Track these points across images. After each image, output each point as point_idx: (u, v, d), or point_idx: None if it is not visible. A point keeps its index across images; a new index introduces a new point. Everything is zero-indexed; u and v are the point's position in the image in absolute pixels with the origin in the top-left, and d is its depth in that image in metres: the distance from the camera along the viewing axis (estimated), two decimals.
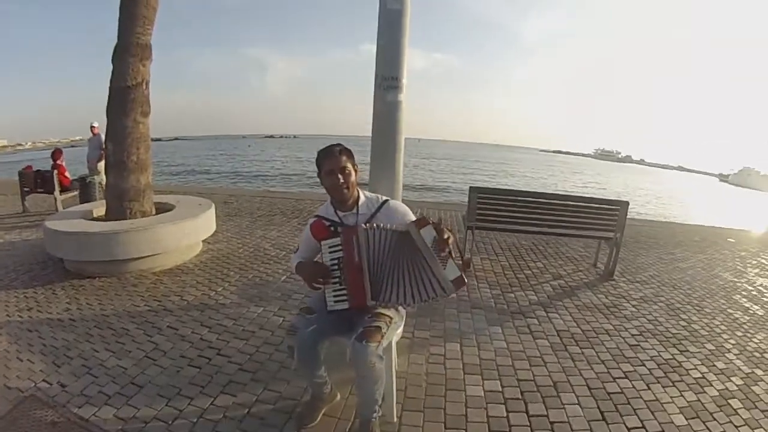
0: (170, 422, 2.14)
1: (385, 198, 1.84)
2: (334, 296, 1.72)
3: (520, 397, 2.24)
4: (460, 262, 1.68)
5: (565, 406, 2.17)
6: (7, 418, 2.41)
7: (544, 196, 4.16)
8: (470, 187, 4.20)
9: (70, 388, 2.58)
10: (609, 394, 2.30)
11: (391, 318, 1.72)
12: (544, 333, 2.95)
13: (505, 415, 2.10)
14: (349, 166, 1.74)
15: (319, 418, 1.99)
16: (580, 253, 5.07)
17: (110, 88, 4.49)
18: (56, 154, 7.82)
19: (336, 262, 1.69)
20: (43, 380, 2.67)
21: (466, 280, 1.62)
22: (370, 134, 2.69)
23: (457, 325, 3.05)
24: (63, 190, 7.62)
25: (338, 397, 2.09)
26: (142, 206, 4.84)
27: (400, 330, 1.95)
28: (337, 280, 1.69)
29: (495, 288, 3.78)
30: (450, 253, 1.58)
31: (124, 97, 4.49)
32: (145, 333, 3.31)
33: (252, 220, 6.72)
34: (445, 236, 1.56)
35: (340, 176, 1.72)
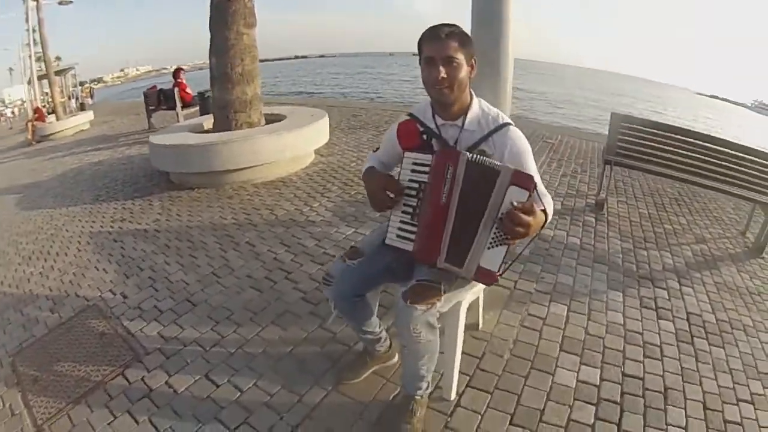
0: (207, 348, 2.36)
1: (506, 120, 1.62)
2: (398, 228, 1.62)
3: (618, 400, 2.03)
4: (507, 262, 1.51)
5: (668, 427, 1.93)
6: (66, 324, 2.86)
7: (698, 137, 4.19)
8: (612, 114, 4.34)
9: (129, 300, 2.98)
10: (725, 422, 2.03)
11: (460, 276, 1.60)
12: (671, 312, 2.83)
13: (591, 423, 1.89)
14: (459, 57, 1.50)
15: (364, 376, 2.02)
16: (729, 216, 4.96)
17: (211, 3, 5.22)
18: (177, 72, 9.47)
19: (416, 186, 1.57)
20: (109, 290, 3.17)
21: (498, 279, 1.48)
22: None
23: (570, 281, 2.99)
24: (185, 106, 9.22)
25: (396, 358, 2.09)
26: (249, 117, 5.53)
27: (478, 288, 1.86)
28: (409, 210, 1.59)
29: (626, 240, 3.76)
30: (510, 240, 1.41)
31: (225, 9, 5.13)
32: (221, 248, 3.59)
33: (376, 133, 7.25)
34: (527, 219, 1.34)
35: (441, 68, 1.49)
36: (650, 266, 3.40)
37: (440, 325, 1.58)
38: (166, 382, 2.14)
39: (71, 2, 18.74)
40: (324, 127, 5.70)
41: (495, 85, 2.73)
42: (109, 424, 1.95)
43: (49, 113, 16.45)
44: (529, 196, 1.35)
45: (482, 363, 2.16)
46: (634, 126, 4.34)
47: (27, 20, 18.14)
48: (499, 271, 1.45)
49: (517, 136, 1.59)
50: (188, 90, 9.34)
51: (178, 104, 9.15)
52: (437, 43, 1.50)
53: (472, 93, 1.63)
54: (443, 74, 1.49)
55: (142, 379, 2.19)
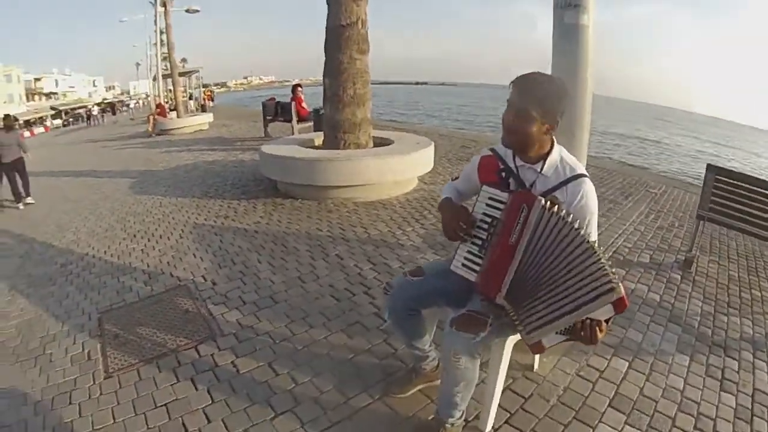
0: (277, 341, 2.80)
1: (581, 172, 1.81)
2: (465, 258, 1.85)
3: None
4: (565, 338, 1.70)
5: None
6: (155, 297, 3.56)
7: None
8: (708, 165, 4.44)
9: (218, 287, 3.59)
10: None
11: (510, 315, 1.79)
12: (737, 386, 2.83)
13: None
14: (532, 113, 1.68)
15: (410, 392, 2.29)
16: None
17: (326, 27, 6.12)
18: (295, 88, 10.93)
19: (488, 221, 1.80)
20: (201, 276, 3.83)
21: (544, 350, 1.71)
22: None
23: (639, 338, 3.12)
24: (300, 120, 10.54)
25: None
26: (357, 139, 6.35)
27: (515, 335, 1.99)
28: (478, 242, 1.82)
29: (709, 302, 3.79)
30: (578, 330, 1.61)
31: (339, 34, 6.00)
32: (311, 256, 4.08)
33: None
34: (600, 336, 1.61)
35: (513, 113, 1.72)
36: (727, 333, 3.44)
37: (483, 358, 1.81)
38: (232, 362, 2.58)
39: (198, 11, 22.10)
40: (429, 156, 6.31)
41: (570, 134, 2.89)
42: (171, 385, 2.44)
43: (170, 110, 19.09)
44: (615, 315, 1.55)
45: (527, 404, 2.34)
46: (731, 180, 4.31)
47: (155, 23, 22.08)
48: (548, 346, 1.66)
49: (590, 191, 1.76)
50: (304, 105, 10.69)
51: (294, 117, 10.49)
52: (519, 89, 1.69)
53: (554, 140, 1.81)
54: (511, 120, 1.71)
55: (212, 356, 2.66)
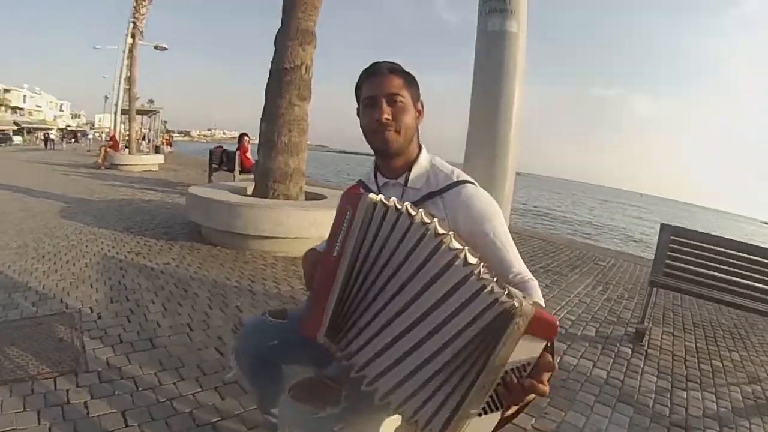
0: (140, 389, 2.53)
1: (462, 178, 1.39)
2: None
3: None
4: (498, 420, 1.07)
5: None
6: (37, 319, 3.27)
7: (763, 254, 3.84)
8: (661, 225, 4.18)
9: (101, 321, 3.33)
10: None
11: None
12: None
13: None
14: (404, 94, 1.36)
15: None
16: None
17: (270, 70, 5.84)
18: (242, 137, 10.87)
19: None
20: (90, 307, 3.57)
21: None
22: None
23: (581, 421, 2.68)
24: (243, 170, 10.08)
25: None
26: (287, 189, 5.91)
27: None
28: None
29: (664, 377, 3.49)
30: (516, 406, 1.04)
31: (280, 78, 5.72)
32: (209, 305, 3.83)
33: None
34: (547, 381, 1.01)
35: (384, 105, 1.34)
36: (687, 411, 3.16)
37: None
38: (85, 403, 2.29)
39: (166, 49, 22.06)
40: None
41: (489, 162, 2.34)
42: (15, 412, 2.14)
43: (125, 147, 18.60)
44: (547, 346, 0.97)
45: None
46: (687, 240, 4.02)
47: (124, 56, 21.32)
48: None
49: (478, 195, 1.32)
50: (249, 155, 10.42)
51: (237, 167, 10.22)
52: (378, 78, 1.36)
53: (422, 146, 1.45)
54: (387, 114, 1.33)
55: (67, 391, 2.37)
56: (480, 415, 0.99)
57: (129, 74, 19.28)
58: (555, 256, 7.05)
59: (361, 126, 1.41)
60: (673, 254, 4.03)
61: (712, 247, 4.00)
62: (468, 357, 0.94)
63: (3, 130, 48.72)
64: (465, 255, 0.94)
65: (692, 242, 4.04)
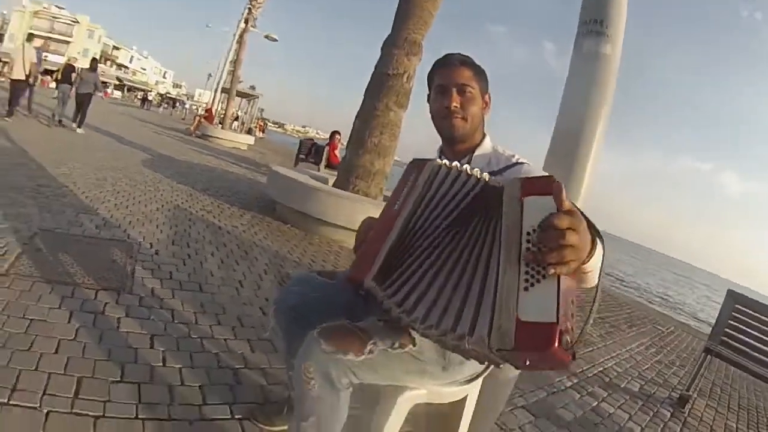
0: (175, 321, 2.49)
1: (521, 159, 1.49)
2: None
3: None
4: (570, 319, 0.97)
5: None
6: (97, 239, 3.39)
7: None
8: (729, 291, 4.06)
9: (157, 257, 3.37)
10: None
11: (411, 344, 1.31)
12: None
13: None
14: (474, 86, 1.46)
15: (276, 429, 1.80)
16: None
17: (372, 73, 6.12)
18: (334, 134, 10.89)
19: None
20: (150, 242, 3.65)
21: (555, 347, 0.90)
22: None
23: None
24: (329, 166, 9.96)
25: None
26: (368, 187, 6.04)
27: (424, 390, 1.40)
28: None
29: None
30: (557, 268, 0.95)
31: (382, 82, 5.97)
32: (266, 270, 3.77)
33: None
34: (563, 227, 0.95)
35: (455, 95, 1.44)
36: None
37: (348, 392, 1.27)
38: (118, 318, 2.28)
39: (276, 40, 22.90)
40: None
41: (570, 173, 2.39)
42: (50, 308, 2.19)
43: (219, 122, 19.47)
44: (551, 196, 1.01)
45: None
46: (752, 312, 3.86)
47: (234, 39, 22.27)
48: (557, 321, 0.91)
49: (535, 172, 1.41)
50: (337, 153, 10.45)
51: (323, 161, 10.34)
52: (450, 69, 1.46)
53: (486, 134, 1.55)
54: (456, 102, 1.44)
55: (105, 304, 2.39)
56: (527, 289, 0.97)
57: (236, 57, 20.27)
58: (615, 311, 6.86)
59: (430, 112, 1.52)
60: (735, 323, 3.89)
61: None
62: (482, 242, 1.10)
63: (105, 83, 53.49)
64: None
65: (757, 314, 3.85)
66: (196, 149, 12.26)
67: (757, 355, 3.73)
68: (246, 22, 20.42)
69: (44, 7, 54.15)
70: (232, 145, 16.54)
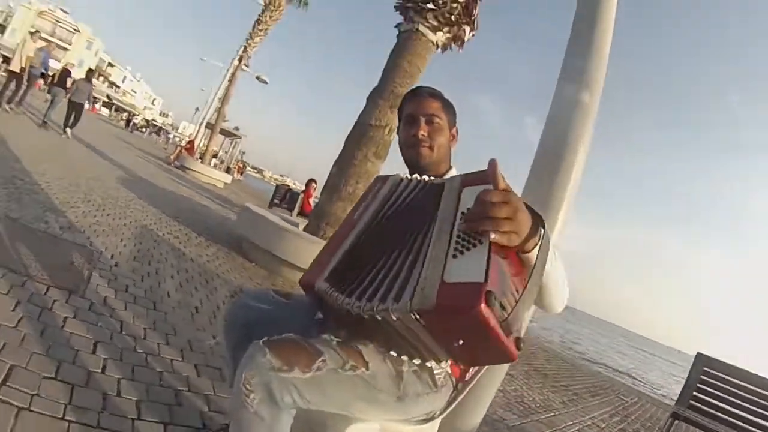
0: (121, 332, 2.43)
1: None
2: None
3: None
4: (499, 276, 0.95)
5: None
6: (59, 239, 3.32)
7: None
8: (698, 354, 4.08)
9: (116, 269, 3.28)
10: None
11: (363, 367, 1.22)
12: None
13: None
14: (442, 117, 1.54)
15: None
16: None
17: (356, 121, 6.19)
18: (310, 182, 10.93)
19: None
20: (112, 254, 3.58)
21: (482, 306, 0.87)
22: None
23: None
24: (301, 214, 9.73)
25: None
26: None
27: (377, 425, 1.30)
28: None
29: None
30: (490, 233, 0.97)
31: (363, 132, 6.04)
32: (225, 302, 3.65)
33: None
34: (493, 200, 0.99)
35: (422, 123, 1.51)
36: None
37: (290, 415, 1.16)
38: (65, 318, 2.20)
39: (267, 83, 23.36)
40: None
41: (546, 216, 2.42)
42: (6, 292, 2.14)
43: (199, 157, 19.45)
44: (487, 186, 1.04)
45: None
46: (721, 374, 3.88)
47: (226, 75, 22.47)
48: (485, 281, 0.89)
49: None
50: (311, 201, 10.42)
51: (296, 209, 10.26)
52: (419, 100, 1.54)
53: (452, 165, 1.58)
54: (423, 131, 1.50)
55: (54, 301, 2.31)
56: (455, 256, 0.98)
57: (225, 94, 20.43)
58: (578, 380, 6.89)
59: (399, 142, 1.59)
60: (703, 386, 3.92)
61: (746, 385, 3.84)
62: (419, 229, 1.14)
63: (95, 97, 53.41)
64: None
65: (725, 377, 3.89)
66: (172, 178, 12.18)
67: (727, 418, 3.74)
68: (239, 59, 20.67)
69: (49, 9, 54.67)
70: (208, 180, 16.48)
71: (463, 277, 0.93)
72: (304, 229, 6.29)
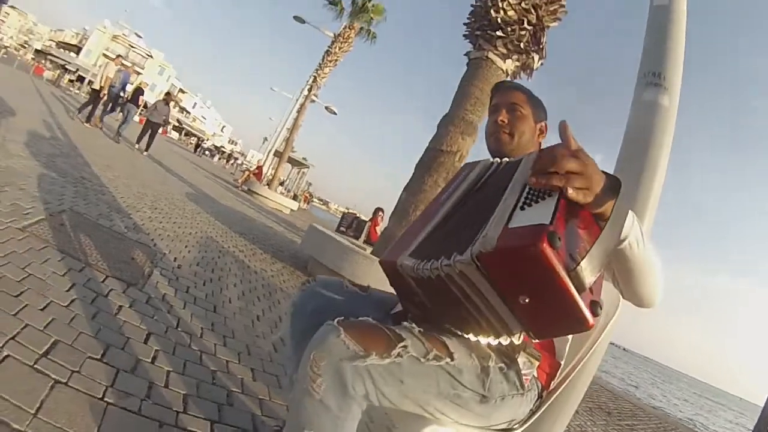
0: (176, 328, 2.32)
1: None
2: None
3: None
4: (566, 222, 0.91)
5: None
6: (122, 236, 3.30)
7: None
8: None
9: (178, 270, 3.23)
10: None
11: (448, 357, 1.08)
12: None
13: None
14: (525, 108, 1.49)
15: None
16: None
17: (427, 147, 6.18)
18: (377, 211, 10.98)
19: None
20: (175, 257, 3.57)
21: (544, 245, 0.81)
22: None
23: None
24: (367, 241, 9.52)
25: None
26: None
27: (451, 429, 1.15)
28: None
29: None
30: (561, 184, 0.92)
31: (434, 157, 6.01)
32: (271, 309, 3.52)
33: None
34: (569, 153, 0.94)
35: (504, 111, 1.49)
36: None
37: (360, 409, 1.01)
38: (119, 306, 2.13)
39: (335, 114, 23.54)
40: None
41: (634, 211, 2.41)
42: (53, 272, 2.07)
43: (267, 183, 19.79)
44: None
45: None
46: None
47: (295, 104, 22.57)
48: (551, 223, 0.85)
49: None
50: (378, 230, 10.39)
51: (363, 236, 10.15)
52: (503, 91, 1.53)
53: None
54: (503, 117, 1.47)
55: (110, 290, 2.24)
56: (523, 208, 0.93)
57: (294, 123, 20.68)
58: (643, 421, 6.67)
59: (485, 131, 1.55)
60: None
61: None
62: (495, 195, 1.05)
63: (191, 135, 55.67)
64: None
65: None
66: (239, 200, 12.47)
67: None
68: (309, 89, 20.89)
69: (124, 34, 58.29)
70: (275, 205, 16.78)
71: (527, 222, 0.88)
72: (372, 252, 6.22)
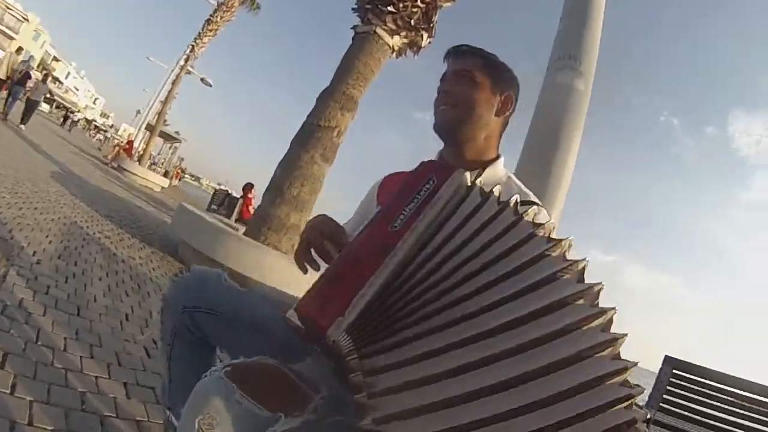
0: (25, 321, 1.97)
1: (535, 201, 1.10)
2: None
3: None
4: None
5: None
6: None
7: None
8: (665, 356, 3.74)
9: (37, 267, 2.78)
10: None
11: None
12: None
13: None
14: (476, 74, 1.14)
15: None
16: None
17: (303, 122, 5.59)
18: (247, 187, 10.14)
19: None
20: (34, 250, 3.05)
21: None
22: None
23: None
24: (239, 220, 9.01)
25: None
26: (278, 241, 5.28)
27: None
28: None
29: None
30: None
31: (311, 132, 5.46)
32: (158, 311, 3.15)
33: None
34: None
35: (451, 79, 1.16)
36: None
37: None
38: None
39: (210, 85, 21.98)
40: None
41: (541, 196, 2.35)
42: None
43: (137, 159, 18.02)
44: None
45: None
46: (690, 375, 3.64)
47: (170, 75, 20.05)
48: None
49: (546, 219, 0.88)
50: (251, 209, 9.65)
51: (234, 215, 9.63)
52: (455, 57, 1.19)
53: (500, 155, 1.21)
54: (446, 87, 1.15)
55: None
56: None
57: (168, 95, 18.59)
58: None
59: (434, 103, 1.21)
60: (673, 389, 3.57)
61: (716, 384, 3.55)
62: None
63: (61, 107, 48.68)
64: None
65: (695, 378, 3.58)
66: (108, 178, 11.15)
67: (698, 418, 3.54)
68: (186, 60, 18.80)
69: None
70: (145, 183, 15.26)
71: None
72: (245, 232, 5.73)
